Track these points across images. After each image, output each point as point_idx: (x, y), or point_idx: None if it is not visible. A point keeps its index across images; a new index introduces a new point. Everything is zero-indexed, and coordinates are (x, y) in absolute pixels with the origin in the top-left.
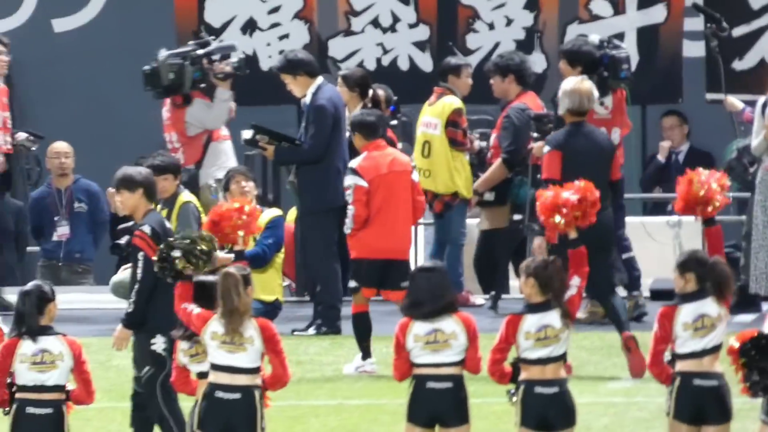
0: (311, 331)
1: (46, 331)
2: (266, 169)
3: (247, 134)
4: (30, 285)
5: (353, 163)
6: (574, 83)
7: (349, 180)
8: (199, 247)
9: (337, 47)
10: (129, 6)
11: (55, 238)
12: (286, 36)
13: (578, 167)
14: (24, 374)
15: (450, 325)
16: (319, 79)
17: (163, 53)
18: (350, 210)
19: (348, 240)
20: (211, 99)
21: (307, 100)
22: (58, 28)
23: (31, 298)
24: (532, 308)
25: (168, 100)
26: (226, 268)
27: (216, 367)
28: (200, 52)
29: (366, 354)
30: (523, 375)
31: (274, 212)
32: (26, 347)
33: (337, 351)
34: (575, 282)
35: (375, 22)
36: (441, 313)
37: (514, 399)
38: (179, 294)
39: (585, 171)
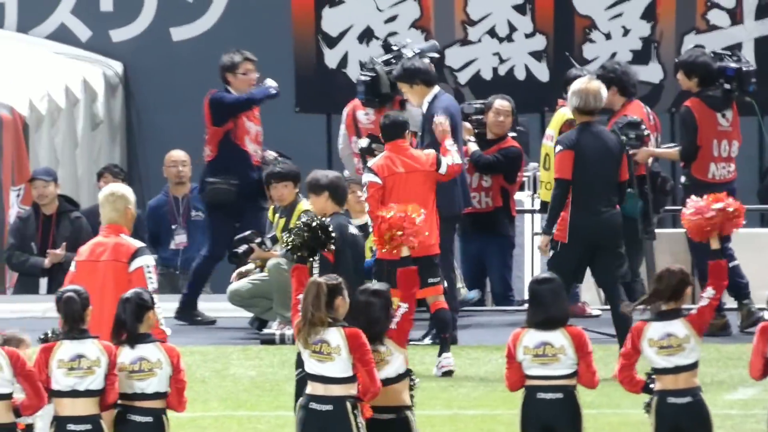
0: (427, 340)
1: (145, 338)
2: None
3: (363, 143)
4: (130, 292)
5: (370, 162)
6: (582, 83)
7: (363, 178)
8: (314, 234)
9: (453, 56)
10: (246, 15)
11: (172, 246)
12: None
13: (587, 167)
14: (123, 383)
15: (559, 339)
16: (436, 88)
17: (377, 61)
18: (365, 207)
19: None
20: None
21: (424, 108)
22: (177, 37)
23: (131, 306)
24: (658, 316)
25: (350, 109)
26: (314, 277)
27: (311, 377)
28: (409, 54)
29: None
30: (657, 385)
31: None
32: (124, 355)
33: (455, 359)
34: (708, 294)
35: (492, 32)
36: (552, 325)
37: (649, 410)
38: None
39: (594, 170)
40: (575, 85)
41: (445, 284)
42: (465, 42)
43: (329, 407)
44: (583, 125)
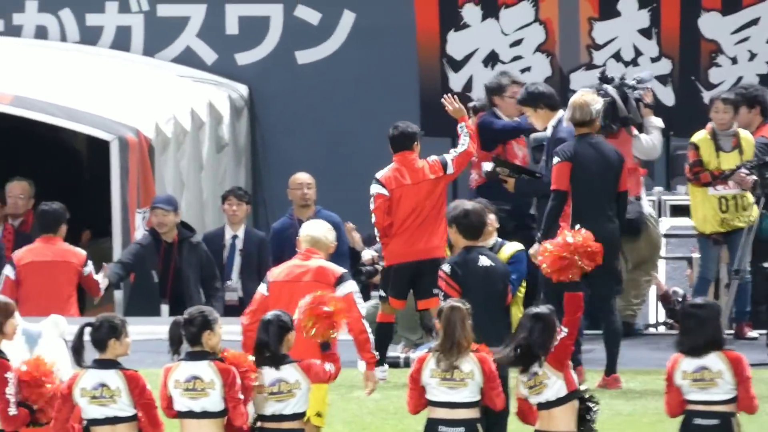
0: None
1: (284, 360)
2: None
3: (488, 166)
4: (270, 314)
5: (378, 174)
6: (577, 95)
7: (371, 189)
8: None
9: (578, 80)
10: (372, 38)
11: None
12: (527, 69)
13: (586, 178)
14: (261, 405)
15: (716, 363)
16: (560, 113)
17: (610, 87)
18: (372, 218)
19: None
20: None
21: (548, 132)
22: (302, 60)
23: (273, 327)
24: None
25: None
26: (451, 301)
27: (434, 403)
28: (634, 81)
29: (380, 362)
30: None
31: (516, 246)
32: (266, 376)
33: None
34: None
35: (617, 56)
36: (706, 349)
37: None
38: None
39: (593, 182)
40: (571, 99)
41: None
42: (590, 66)
43: (460, 429)
44: (581, 137)
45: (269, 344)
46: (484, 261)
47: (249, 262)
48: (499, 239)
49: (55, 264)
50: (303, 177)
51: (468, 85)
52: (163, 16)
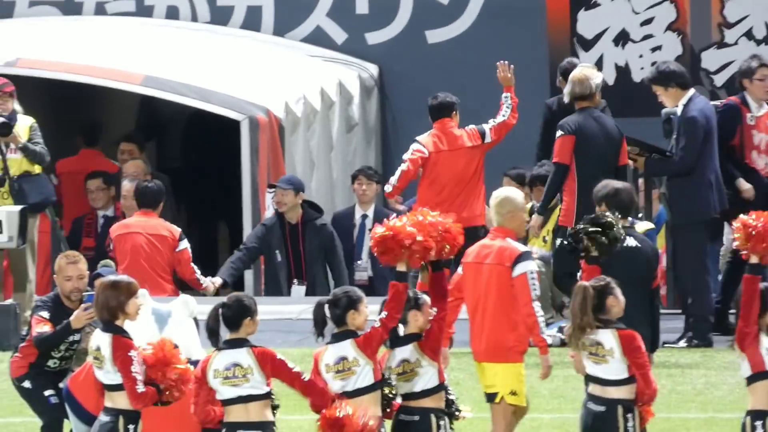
0: (682, 343)
1: (408, 340)
2: (637, 180)
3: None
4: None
5: (419, 137)
6: (576, 71)
7: (411, 147)
8: (606, 234)
9: (709, 59)
10: (502, 18)
11: None
12: (658, 48)
13: (590, 152)
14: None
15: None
16: (691, 91)
17: None
18: (401, 166)
19: None
20: None
21: (679, 111)
22: (432, 39)
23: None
24: None
25: None
26: (581, 282)
27: (589, 377)
28: None
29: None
30: None
31: (647, 225)
32: (391, 359)
33: (709, 363)
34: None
35: (749, 34)
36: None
37: None
38: (586, 277)
39: (597, 155)
40: (571, 75)
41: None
42: (721, 45)
43: (602, 409)
44: (582, 111)
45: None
46: (629, 242)
47: None
48: (631, 218)
49: (147, 237)
50: None
51: (598, 65)
52: None
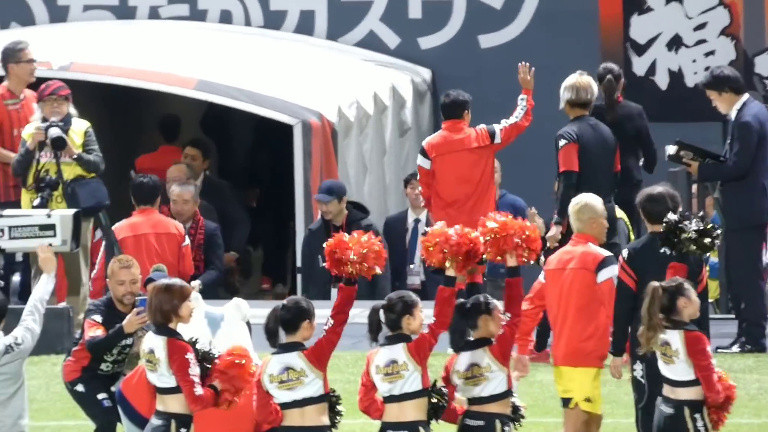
0: (735, 348)
1: (477, 344)
2: (690, 185)
3: (671, 150)
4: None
5: (424, 141)
6: (576, 77)
7: (419, 155)
8: (706, 238)
9: (763, 64)
10: (555, 22)
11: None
12: (711, 53)
13: (591, 159)
14: (461, 389)
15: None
16: (745, 96)
17: None
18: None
19: None
20: None
21: (732, 116)
22: (485, 44)
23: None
24: None
25: None
26: (653, 283)
27: (662, 378)
28: None
29: None
30: None
31: None
32: (459, 363)
33: (762, 369)
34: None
35: None
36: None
37: None
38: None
39: (596, 162)
40: (567, 81)
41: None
42: None
43: (671, 411)
44: (579, 119)
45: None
46: (667, 249)
47: None
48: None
49: (158, 236)
50: None
51: (651, 69)
52: (346, 0)
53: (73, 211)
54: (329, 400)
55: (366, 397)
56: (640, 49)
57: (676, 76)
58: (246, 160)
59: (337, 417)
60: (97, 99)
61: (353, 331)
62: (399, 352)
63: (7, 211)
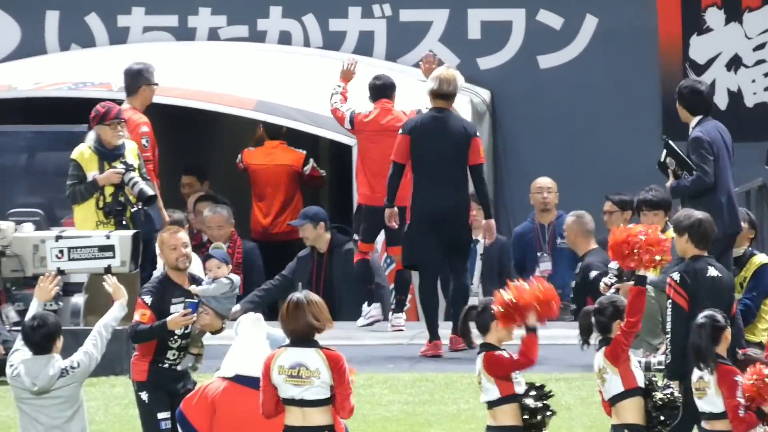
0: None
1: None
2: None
3: (662, 156)
4: (704, 316)
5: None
6: (443, 69)
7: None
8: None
9: None
10: (614, 42)
11: (537, 273)
12: None
13: (422, 151)
14: None
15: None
16: (698, 117)
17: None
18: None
19: None
20: None
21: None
22: (544, 65)
23: (706, 330)
24: None
25: None
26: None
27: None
28: None
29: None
30: None
31: (765, 259)
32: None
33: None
34: None
35: None
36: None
37: None
38: None
39: (429, 154)
40: (434, 72)
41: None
42: None
43: None
44: (431, 110)
45: (701, 348)
46: (712, 271)
47: (490, 267)
48: (749, 248)
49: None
50: (544, 181)
51: (711, 89)
52: (405, 20)
53: (132, 232)
54: None
55: None
56: (699, 69)
57: (735, 96)
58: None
59: None
60: (156, 119)
61: (409, 351)
62: (599, 358)
63: (67, 232)
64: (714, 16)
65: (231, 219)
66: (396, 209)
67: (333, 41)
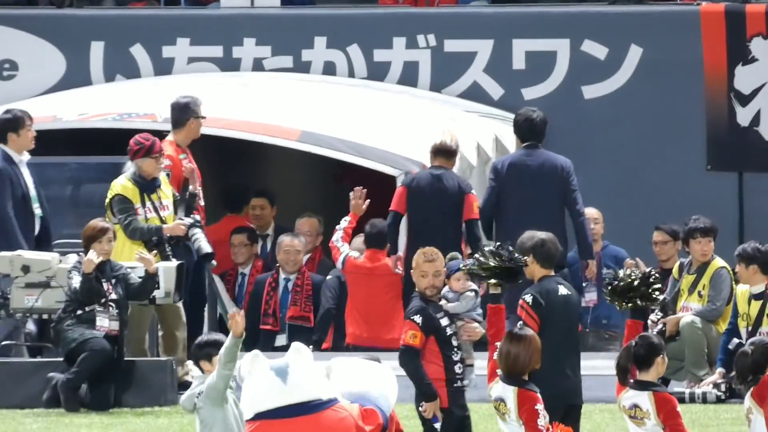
0: None
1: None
2: None
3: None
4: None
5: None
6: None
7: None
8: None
9: None
10: (658, 72)
11: (582, 303)
12: None
13: (419, 204)
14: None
15: None
16: (524, 145)
17: None
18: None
19: None
20: None
21: None
22: (588, 95)
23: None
24: None
25: None
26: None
27: None
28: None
29: None
30: None
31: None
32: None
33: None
34: None
35: None
36: None
37: None
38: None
39: (425, 208)
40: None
41: None
42: None
43: None
44: (431, 168)
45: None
46: (562, 290)
47: None
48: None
49: None
50: (590, 212)
51: (756, 120)
52: (450, 51)
53: (176, 263)
54: None
55: None
56: (744, 100)
57: None
58: None
59: None
60: (201, 150)
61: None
62: (643, 398)
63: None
64: (759, 46)
65: (320, 233)
66: (401, 255)
67: (378, 72)
